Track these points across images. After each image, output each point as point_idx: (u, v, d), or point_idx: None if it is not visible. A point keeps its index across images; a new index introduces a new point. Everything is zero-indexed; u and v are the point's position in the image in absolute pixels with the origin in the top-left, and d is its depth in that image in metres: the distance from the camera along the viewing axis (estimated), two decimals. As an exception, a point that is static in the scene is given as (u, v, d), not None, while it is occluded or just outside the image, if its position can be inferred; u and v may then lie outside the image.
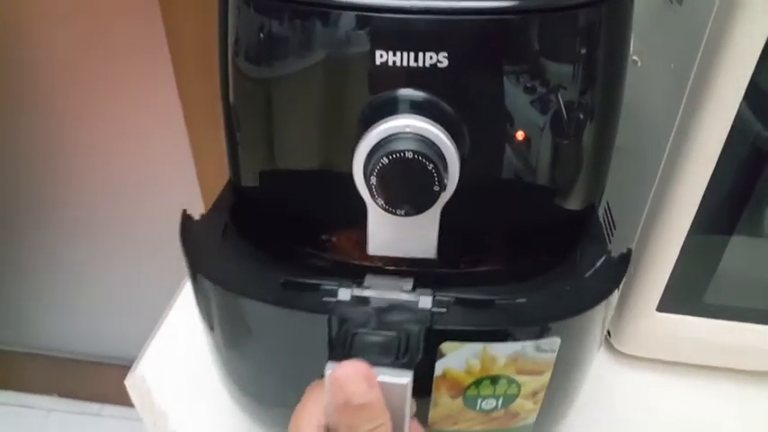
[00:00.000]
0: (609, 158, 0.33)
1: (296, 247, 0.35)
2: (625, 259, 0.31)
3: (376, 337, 0.27)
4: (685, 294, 0.39)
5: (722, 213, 0.36)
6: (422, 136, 0.28)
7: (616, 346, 0.43)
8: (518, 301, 0.29)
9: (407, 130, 0.28)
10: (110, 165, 0.95)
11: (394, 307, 0.29)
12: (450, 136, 0.28)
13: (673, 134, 0.35)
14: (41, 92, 0.87)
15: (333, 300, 0.29)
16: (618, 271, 0.31)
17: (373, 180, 0.28)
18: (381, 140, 0.28)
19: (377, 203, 0.29)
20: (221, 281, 0.31)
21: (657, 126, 0.37)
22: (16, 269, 1.12)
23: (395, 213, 0.29)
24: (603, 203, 0.47)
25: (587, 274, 0.31)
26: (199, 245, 0.33)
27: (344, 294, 0.30)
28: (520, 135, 0.30)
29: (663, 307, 0.40)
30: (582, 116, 0.30)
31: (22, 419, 1.27)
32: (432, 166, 0.27)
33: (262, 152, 0.33)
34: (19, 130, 0.92)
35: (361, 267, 0.33)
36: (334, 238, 0.42)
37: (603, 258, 0.31)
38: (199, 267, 0.32)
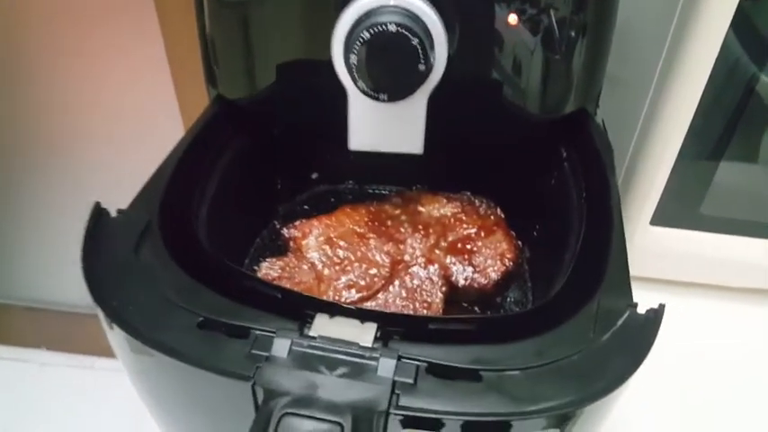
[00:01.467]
0: (605, 54, 0.32)
1: (231, 266, 0.27)
2: (657, 318, 0.23)
3: (313, 424, 0.20)
4: (681, 206, 0.37)
5: (719, 120, 0.34)
6: (406, 9, 0.26)
7: (606, 265, 0.39)
8: (509, 373, 0.22)
9: (391, 2, 0.26)
10: (93, 107, 0.87)
11: (344, 372, 0.22)
12: (437, 12, 0.26)
13: (669, 38, 0.34)
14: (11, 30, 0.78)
15: (263, 354, 0.22)
16: (646, 334, 0.23)
17: (353, 59, 0.26)
18: (363, 15, 0.26)
19: (358, 87, 0.27)
20: (121, 317, 0.24)
21: (656, 32, 0.35)
22: (2, 219, 1.08)
23: (377, 98, 0.27)
24: (599, 121, 0.44)
25: (605, 337, 0.23)
26: (104, 261, 0.26)
27: (281, 347, 0.22)
28: (512, 19, 0.28)
29: (657, 220, 0.37)
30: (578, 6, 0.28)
31: (14, 373, 1.26)
32: (417, 41, 0.25)
33: (239, 51, 0.32)
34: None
35: (310, 302, 0.25)
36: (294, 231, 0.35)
37: (627, 315, 0.24)
38: (100, 295, 0.24)
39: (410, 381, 0.21)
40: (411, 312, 0.32)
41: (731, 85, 0.33)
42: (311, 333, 0.23)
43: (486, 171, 0.39)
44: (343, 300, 0.32)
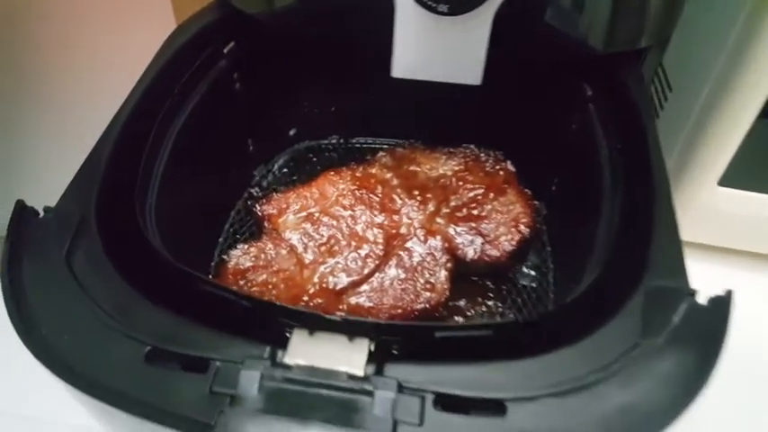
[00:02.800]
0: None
1: (183, 270, 0.22)
2: (723, 309, 0.19)
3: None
4: (753, 166, 0.32)
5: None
6: None
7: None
8: (541, 400, 0.17)
9: None
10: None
11: (330, 415, 0.17)
12: None
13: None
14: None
15: (227, 392, 0.18)
16: (712, 333, 0.18)
17: None
18: None
19: None
20: (51, 351, 0.19)
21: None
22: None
23: (435, 10, 0.23)
24: (656, 67, 0.39)
25: (659, 341, 0.18)
26: (29, 275, 0.21)
27: (249, 382, 0.18)
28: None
29: (726, 180, 0.32)
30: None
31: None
32: None
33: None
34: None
35: (283, 313, 0.20)
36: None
37: (685, 307, 0.19)
38: (23, 323, 0.20)
39: (415, 421, 0.17)
40: (412, 296, 0.27)
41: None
42: (286, 360, 0.18)
43: (495, 116, 0.33)
44: (331, 287, 0.27)
